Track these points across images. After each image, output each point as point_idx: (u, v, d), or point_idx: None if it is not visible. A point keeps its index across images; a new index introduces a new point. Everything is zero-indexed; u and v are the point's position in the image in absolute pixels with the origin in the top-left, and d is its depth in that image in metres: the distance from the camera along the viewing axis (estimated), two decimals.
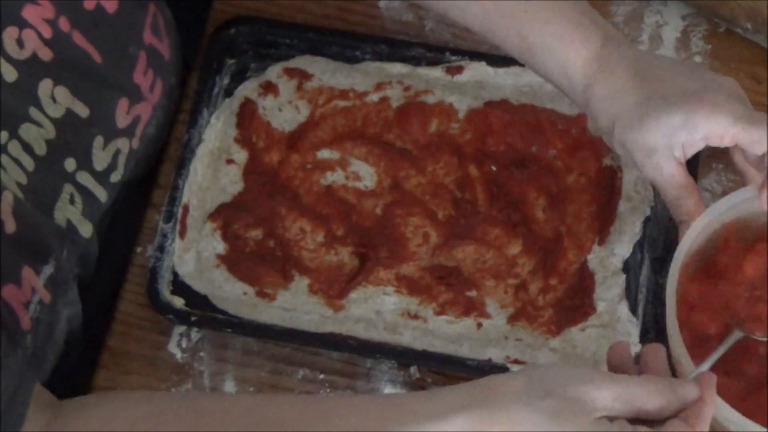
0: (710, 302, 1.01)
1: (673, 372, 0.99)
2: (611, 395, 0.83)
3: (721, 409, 0.93)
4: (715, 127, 0.95)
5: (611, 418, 0.83)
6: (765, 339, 0.99)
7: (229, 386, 1.04)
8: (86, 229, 0.99)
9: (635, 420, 0.84)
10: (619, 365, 0.90)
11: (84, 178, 0.98)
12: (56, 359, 0.99)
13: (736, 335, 0.98)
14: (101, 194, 1.00)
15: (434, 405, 0.84)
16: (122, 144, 1.01)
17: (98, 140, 0.98)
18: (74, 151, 0.96)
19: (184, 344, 1.06)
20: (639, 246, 1.07)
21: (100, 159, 0.99)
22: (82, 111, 0.96)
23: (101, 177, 0.99)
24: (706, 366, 0.92)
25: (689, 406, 0.85)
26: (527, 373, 0.85)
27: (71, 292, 0.99)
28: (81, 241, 0.99)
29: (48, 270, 0.93)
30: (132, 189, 1.17)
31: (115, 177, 1.01)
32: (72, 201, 0.97)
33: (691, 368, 0.93)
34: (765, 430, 0.93)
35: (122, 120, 1.00)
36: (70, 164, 0.96)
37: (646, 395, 0.84)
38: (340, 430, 0.85)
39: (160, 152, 1.11)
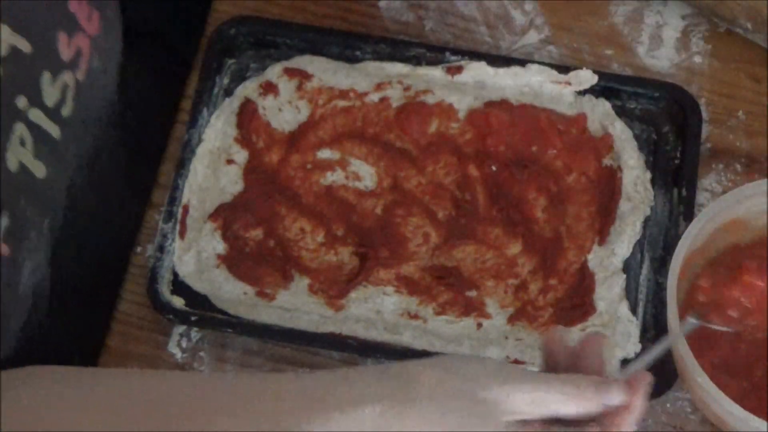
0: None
1: (675, 372, 1.00)
2: (527, 399, 0.81)
3: (723, 405, 0.93)
4: None
5: (525, 421, 0.81)
6: (722, 329, 0.99)
7: None
8: (40, 171, 0.96)
9: (552, 420, 0.82)
10: (552, 354, 0.87)
11: (36, 115, 0.96)
12: (24, 320, 0.97)
13: (691, 323, 0.96)
14: (54, 130, 0.98)
15: (344, 392, 0.82)
16: (68, 78, 0.99)
17: (46, 75, 0.97)
18: (24, 88, 0.95)
19: (184, 344, 1.06)
20: (639, 246, 1.07)
21: (50, 94, 0.97)
22: (25, 47, 0.94)
23: (52, 113, 0.98)
24: (641, 363, 0.86)
25: (615, 411, 0.82)
26: (444, 365, 0.83)
27: (34, 242, 0.96)
28: (38, 185, 0.96)
29: (4, 222, 0.91)
30: (132, 189, 1.17)
31: (66, 111, 0.99)
32: (23, 143, 0.95)
33: (694, 366, 0.93)
34: (767, 423, 0.93)
35: (65, 53, 0.99)
36: (21, 102, 0.95)
37: (565, 400, 0.81)
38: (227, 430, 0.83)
39: (157, 150, 1.12)
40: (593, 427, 0.82)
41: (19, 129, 0.94)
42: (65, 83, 0.98)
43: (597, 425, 0.82)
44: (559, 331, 0.88)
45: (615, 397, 0.82)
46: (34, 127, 0.95)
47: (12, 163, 0.93)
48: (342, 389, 0.82)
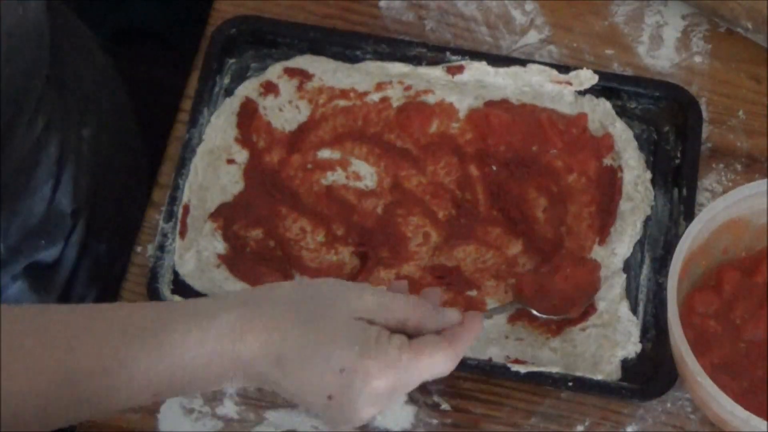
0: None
1: (675, 372, 1.00)
2: (374, 302, 0.89)
3: (723, 404, 0.93)
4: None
5: (373, 321, 0.89)
6: (542, 316, 1.02)
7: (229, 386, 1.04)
8: None
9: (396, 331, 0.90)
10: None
11: None
12: None
13: (514, 305, 1.03)
14: None
15: (205, 305, 0.89)
16: None
17: None
18: None
19: None
20: (639, 246, 1.07)
21: None
22: None
23: None
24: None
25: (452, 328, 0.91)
26: (299, 282, 0.93)
27: None
28: None
29: None
30: (84, 190, 1.16)
31: None
32: None
33: (695, 366, 0.93)
34: (767, 423, 0.93)
35: None
36: None
37: (408, 308, 0.90)
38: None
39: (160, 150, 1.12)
40: (432, 338, 0.90)
41: None
42: None
43: (436, 335, 0.90)
44: (434, 291, 0.96)
45: (452, 315, 0.92)
46: None
47: None
48: (202, 305, 0.90)
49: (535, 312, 1.03)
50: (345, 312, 0.89)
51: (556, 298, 1.04)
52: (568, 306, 1.03)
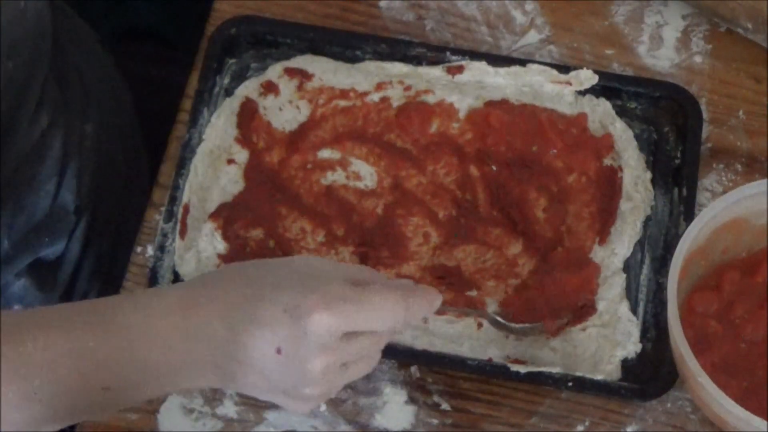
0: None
1: (675, 372, 1.00)
2: (321, 260, 0.92)
3: (723, 404, 0.93)
4: None
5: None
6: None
7: None
8: None
9: None
10: None
11: None
12: None
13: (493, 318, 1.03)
14: None
15: (156, 289, 0.91)
16: None
17: None
18: None
19: None
20: (639, 245, 1.07)
21: None
22: None
23: None
24: None
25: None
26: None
27: None
28: None
29: None
30: (87, 187, 1.16)
31: None
32: None
33: (695, 366, 0.93)
34: (767, 423, 0.93)
35: None
36: None
37: (357, 269, 0.91)
38: None
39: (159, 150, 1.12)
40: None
41: None
42: None
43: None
44: None
45: (406, 281, 0.92)
46: None
47: None
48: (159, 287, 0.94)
49: (505, 323, 1.03)
50: (291, 267, 0.88)
51: (538, 308, 1.04)
52: (546, 317, 1.04)
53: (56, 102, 1.11)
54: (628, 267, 1.07)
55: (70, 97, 1.14)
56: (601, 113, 1.12)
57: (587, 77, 1.12)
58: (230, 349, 0.87)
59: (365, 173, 1.10)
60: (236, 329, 0.86)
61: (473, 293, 1.06)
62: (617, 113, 1.12)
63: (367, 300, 0.87)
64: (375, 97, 1.12)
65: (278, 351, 0.86)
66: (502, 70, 1.13)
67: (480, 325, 1.04)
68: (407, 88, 1.13)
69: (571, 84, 1.12)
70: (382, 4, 1.19)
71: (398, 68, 1.13)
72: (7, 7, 0.97)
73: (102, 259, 1.18)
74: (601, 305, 1.05)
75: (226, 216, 1.08)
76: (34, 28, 1.04)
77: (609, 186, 1.09)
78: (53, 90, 1.11)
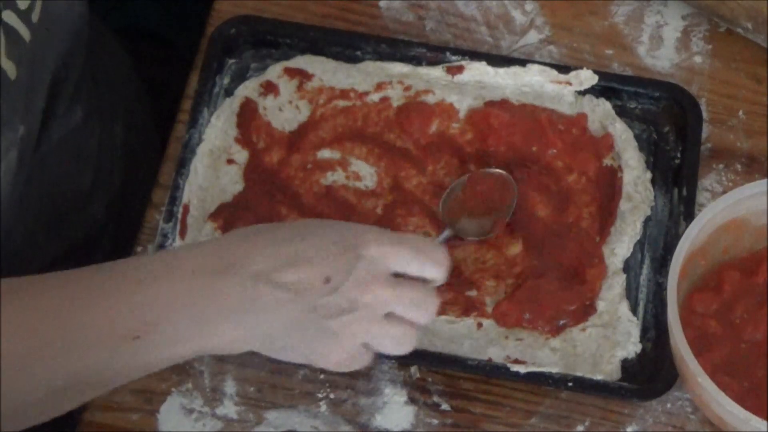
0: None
1: (675, 372, 1.00)
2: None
3: (723, 404, 0.93)
4: None
5: None
6: (472, 239, 1.04)
7: (230, 386, 1.04)
8: (12, 71, 0.97)
9: None
10: None
11: (9, 16, 0.96)
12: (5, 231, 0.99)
13: (448, 233, 1.03)
14: (25, 33, 0.98)
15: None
16: None
17: None
18: None
19: None
20: (639, 246, 1.07)
21: None
22: None
23: (23, 15, 0.98)
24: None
25: None
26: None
27: (7, 144, 0.97)
28: (10, 86, 0.97)
29: None
30: (118, 186, 1.17)
31: (35, 17, 0.99)
32: None
33: (695, 366, 0.93)
34: (767, 423, 0.93)
35: None
36: None
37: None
38: None
39: (159, 150, 1.12)
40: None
41: None
42: None
43: None
44: None
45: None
46: (6, 27, 0.96)
47: None
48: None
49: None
50: (331, 221, 0.91)
51: (538, 308, 1.04)
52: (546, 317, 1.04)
53: (90, 99, 1.13)
54: (628, 267, 1.07)
55: (101, 96, 1.15)
56: (601, 113, 1.12)
57: (587, 77, 1.12)
58: (274, 277, 0.86)
59: (365, 173, 1.10)
60: (280, 263, 0.86)
61: (473, 293, 1.06)
62: (617, 113, 1.12)
63: (415, 244, 0.88)
64: (375, 97, 1.12)
65: (327, 280, 0.86)
66: (502, 70, 1.13)
67: (480, 324, 1.04)
68: (407, 88, 1.13)
69: (571, 84, 1.13)
70: (382, 4, 1.19)
71: (398, 68, 1.13)
72: None
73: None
74: (601, 305, 1.05)
75: (226, 216, 1.08)
76: (75, 22, 1.06)
77: (609, 186, 1.09)
78: (87, 86, 1.12)
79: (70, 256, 1.15)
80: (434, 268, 0.91)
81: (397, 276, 0.91)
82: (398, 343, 0.91)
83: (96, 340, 0.86)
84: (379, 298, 0.88)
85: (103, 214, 1.17)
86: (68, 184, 1.13)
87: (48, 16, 1.01)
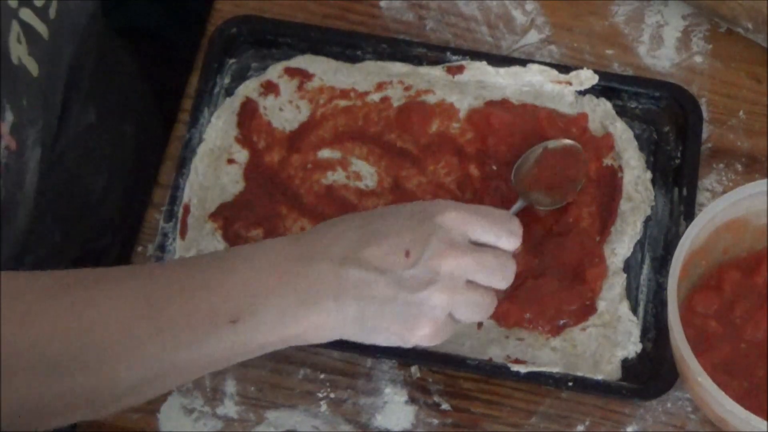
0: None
1: (675, 372, 1.00)
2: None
3: (723, 404, 0.93)
4: None
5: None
6: (544, 209, 1.06)
7: (230, 386, 1.04)
8: (34, 68, 0.98)
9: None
10: None
11: (26, 14, 0.97)
12: (25, 224, 1.00)
13: (521, 203, 1.04)
14: (43, 30, 0.99)
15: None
16: None
17: None
18: None
19: None
20: (640, 245, 1.07)
21: None
22: None
23: (41, 13, 0.99)
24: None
25: None
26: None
27: (33, 139, 0.99)
28: (33, 82, 0.98)
29: (8, 116, 0.93)
30: (132, 188, 1.18)
31: (52, 13, 1.00)
32: (18, 40, 0.96)
33: (695, 366, 0.93)
34: (767, 423, 0.93)
35: None
36: (12, 2, 0.96)
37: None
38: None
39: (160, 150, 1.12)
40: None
41: (15, 27, 0.95)
42: None
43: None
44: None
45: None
46: (25, 26, 0.96)
47: (15, 58, 0.95)
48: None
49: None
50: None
51: (538, 308, 1.04)
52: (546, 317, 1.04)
53: (102, 99, 1.13)
54: (628, 267, 1.07)
55: (112, 96, 1.15)
56: (601, 113, 1.12)
57: (587, 77, 1.12)
58: (355, 256, 0.88)
59: (365, 173, 1.10)
60: (361, 243, 0.88)
61: None
62: (617, 113, 1.12)
63: (490, 213, 0.91)
64: (375, 97, 1.12)
65: (407, 254, 0.87)
66: (503, 70, 1.13)
67: (480, 324, 1.04)
68: (407, 88, 1.13)
69: (571, 84, 1.13)
70: (382, 4, 1.19)
71: (398, 68, 1.13)
72: None
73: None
74: (601, 305, 1.05)
75: (227, 216, 1.08)
76: (89, 20, 1.07)
77: (609, 186, 1.09)
78: (99, 85, 1.13)
79: (86, 257, 1.15)
80: (509, 238, 0.94)
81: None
82: (481, 308, 0.93)
83: (192, 328, 0.87)
84: (460, 265, 0.90)
85: (116, 215, 1.17)
86: (82, 184, 1.13)
87: (63, 13, 1.01)
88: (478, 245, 0.93)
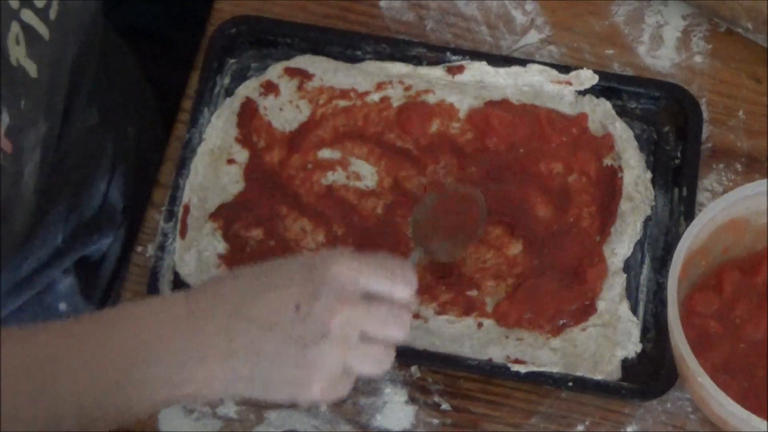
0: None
1: (675, 372, 1.00)
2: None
3: (723, 404, 0.93)
4: None
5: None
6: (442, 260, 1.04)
7: None
8: (32, 70, 0.98)
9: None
10: None
11: (27, 15, 0.97)
12: (24, 225, 1.00)
13: (419, 253, 1.01)
14: (43, 31, 0.99)
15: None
16: None
17: None
18: None
19: None
20: (639, 245, 1.08)
21: None
22: None
23: (41, 14, 0.99)
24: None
25: None
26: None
27: (32, 142, 0.98)
28: (32, 84, 0.98)
29: (5, 118, 0.93)
30: (132, 188, 1.18)
31: (53, 14, 1.00)
32: (17, 41, 0.96)
33: (695, 366, 0.93)
34: (767, 423, 0.93)
35: None
36: (14, 2, 0.96)
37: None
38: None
39: (160, 149, 1.12)
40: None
41: (15, 28, 0.95)
42: None
43: None
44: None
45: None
46: (26, 27, 0.96)
47: (13, 59, 0.94)
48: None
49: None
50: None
51: (538, 308, 1.04)
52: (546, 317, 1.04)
53: (105, 100, 1.13)
54: (628, 267, 1.07)
55: (114, 97, 1.15)
56: (601, 113, 1.12)
57: (587, 77, 1.12)
58: (244, 311, 0.86)
59: (365, 173, 1.10)
60: (249, 297, 0.86)
61: (473, 293, 1.06)
62: (617, 113, 1.12)
63: (382, 262, 0.88)
64: (375, 97, 1.13)
65: (297, 308, 0.85)
66: (503, 70, 1.13)
67: (480, 324, 1.04)
68: (407, 88, 1.13)
69: (571, 84, 1.13)
70: (382, 4, 1.19)
71: (398, 68, 1.13)
72: None
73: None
74: (601, 305, 1.05)
75: (227, 216, 1.08)
76: (90, 22, 1.07)
77: (609, 186, 1.09)
78: (102, 86, 1.13)
79: (87, 257, 1.15)
80: (405, 287, 0.91)
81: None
82: (377, 362, 0.90)
83: (76, 388, 0.87)
84: (351, 318, 0.87)
85: (116, 215, 1.17)
86: (83, 184, 1.13)
87: (64, 13, 1.01)
88: (374, 296, 0.90)
